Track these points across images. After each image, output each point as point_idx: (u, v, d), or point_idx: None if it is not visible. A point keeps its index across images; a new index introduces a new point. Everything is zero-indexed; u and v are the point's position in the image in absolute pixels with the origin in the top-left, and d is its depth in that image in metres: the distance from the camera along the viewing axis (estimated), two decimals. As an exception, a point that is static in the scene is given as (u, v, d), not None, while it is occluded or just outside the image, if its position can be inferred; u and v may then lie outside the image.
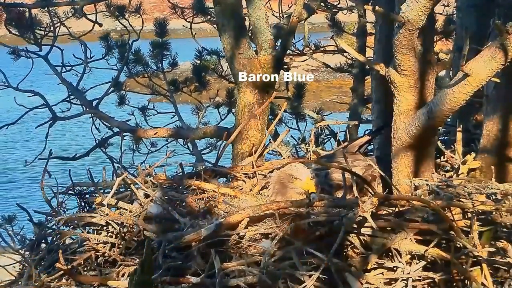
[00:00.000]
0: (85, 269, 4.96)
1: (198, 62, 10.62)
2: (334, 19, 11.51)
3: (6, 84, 9.63)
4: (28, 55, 9.78)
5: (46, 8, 9.53)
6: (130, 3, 10.45)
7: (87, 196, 5.77)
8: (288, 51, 9.12)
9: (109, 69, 10.42)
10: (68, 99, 9.81)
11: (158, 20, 10.67)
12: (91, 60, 9.89)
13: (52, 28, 9.70)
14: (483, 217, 4.60)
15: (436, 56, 5.59)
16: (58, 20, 9.93)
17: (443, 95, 4.75)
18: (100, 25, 9.80)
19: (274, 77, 6.80)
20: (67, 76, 9.70)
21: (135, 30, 10.12)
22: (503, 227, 4.60)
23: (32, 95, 9.55)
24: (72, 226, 5.33)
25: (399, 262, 4.51)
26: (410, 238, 4.53)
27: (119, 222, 4.97)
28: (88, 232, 5.25)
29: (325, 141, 10.04)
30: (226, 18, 6.72)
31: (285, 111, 9.85)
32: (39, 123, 9.74)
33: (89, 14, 9.88)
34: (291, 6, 10.79)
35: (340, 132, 7.12)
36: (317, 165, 5.49)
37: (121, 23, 10.34)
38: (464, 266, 4.44)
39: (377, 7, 4.85)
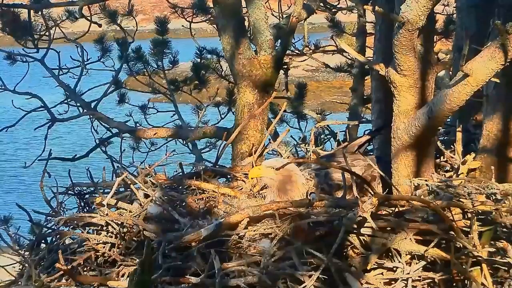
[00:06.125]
0: (85, 269, 4.96)
1: (199, 60, 10.61)
2: (334, 20, 11.51)
3: (3, 87, 9.61)
4: (24, 59, 9.77)
5: (40, 11, 9.51)
6: (129, 4, 10.43)
7: (86, 196, 5.77)
8: (288, 51, 9.12)
9: (107, 70, 10.40)
10: (66, 101, 9.80)
11: (159, 18, 10.66)
12: (88, 62, 9.88)
13: (47, 31, 9.67)
14: (483, 217, 4.60)
15: (436, 56, 5.58)
16: (54, 23, 9.90)
17: (443, 95, 4.75)
18: (100, 25, 9.79)
19: (274, 77, 6.80)
20: (65, 78, 9.70)
21: (129, 33, 10.09)
22: (503, 227, 4.60)
23: (30, 98, 9.54)
24: (71, 226, 5.33)
25: (399, 262, 4.52)
26: (410, 238, 4.53)
27: (119, 222, 4.97)
28: (88, 232, 5.25)
29: (325, 141, 10.04)
30: (226, 18, 6.71)
31: (285, 111, 9.85)
32: (38, 125, 9.74)
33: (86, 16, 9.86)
34: (290, 6, 10.80)
35: (340, 132, 7.11)
36: (317, 165, 5.49)
37: (117, 25, 10.34)
38: (464, 266, 4.45)
39: (377, 7, 4.86)
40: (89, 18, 9.72)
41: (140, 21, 10.63)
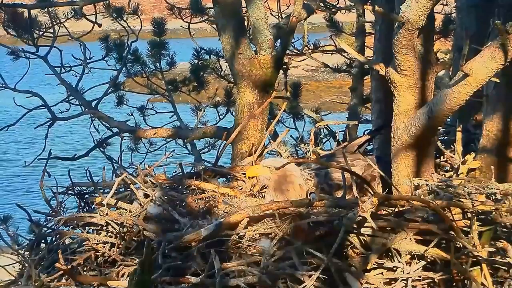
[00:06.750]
0: (85, 269, 4.96)
1: (196, 61, 10.62)
2: (332, 19, 11.51)
3: (4, 85, 9.60)
4: (27, 56, 9.77)
5: (46, 9, 9.52)
6: (130, 4, 10.45)
7: (86, 196, 5.77)
8: (288, 51, 9.12)
9: (108, 70, 10.41)
10: (67, 99, 9.80)
11: (156, 20, 10.66)
12: (90, 61, 9.88)
13: (51, 29, 9.68)
14: (483, 217, 4.60)
15: (435, 56, 5.59)
16: (58, 21, 9.91)
17: (443, 95, 4.75)
18: (100, 25, 9.79)
19: (274, 77, 6.80)
20: (66, 77, 9.70)
21: (134, 31, 10.11)
22: (503, 227, 4.60)
23: (31, 96, 9.54)
24: (71, 226, 5.33)
25: (399, 262, 4.52)
26: (410, 238, 4.53)
27: (119, 222, 4.97)
28: (87, 232, 5.25)
29: (324, 141, 10.03)
30: (226, 18, 6.71)
31: (284, 111, 9.85)
32: (38, 124, 9.74)
33: (88, 15, 9.87)
34: (289, 6, 10.80)
35: (339, 132, 7.10)
36: (317, 165, 5.49)
37: (120, 24, 10.35)
38: (464, 266, 4.45)
39: (376, 7, 4.86)
40: (90, 17, 9.72)
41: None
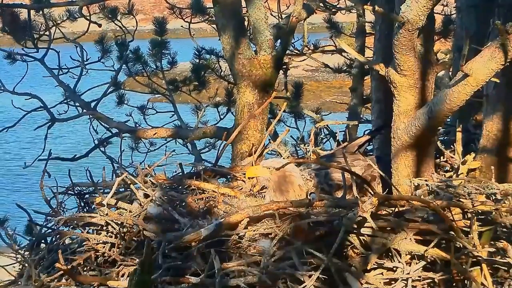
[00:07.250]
0: (85, 269, 4.96)
1: (197, 61, 10.62)
2: (331, 20, 11.51)
3: (2, 88, 9.59)
4: (24, 59, 9.76)
5: (41, 11, 9.51)
6: (130, 4, 10.44)
7: (86, 196, 5.77)
8: (288, 51, 9.13)
9: (106, 71, 10.40)
10: (65, 101, 9.79)
11: (157, 19, 10.66)
12: (87, 62, 9.87)
13: (47, 30, 9.67)
14: (483, 217, 4.60)
15: (435, 56, 5.60)
16: (54, 23, 9.89)
17: (443, 95, 4.75)
18: (100, 25, 9.78)
19: (274, 77, 6.80)
20: (65, 78, 9.69)
21: (129, 31, 10.10)
22: (503, 227, 4.61)
23: (30, 98, 9.53)
24: (71, 226, 5.33)
25: (399, 262, 4.52)
26: (410, 238, 4.53)
27: (119, 222, 4.97)
28: (87, 232, 5.25)
29: (324, 141, 10.04)
30: (226, 18, 6.71)
31: (284, 111, 9.85)
32: (39, 125, 9.73)
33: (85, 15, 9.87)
34: (289, 6, 10.80)
35: (339, 132, 7.11)
36: (317, 165, 5.48)
37: (116, 24, 10.34)
38: (464, 266, 4.45)
39: (376, 8, 4.86)
40: (88, 18, 9.71)
41: (140, 21, 10.63)
